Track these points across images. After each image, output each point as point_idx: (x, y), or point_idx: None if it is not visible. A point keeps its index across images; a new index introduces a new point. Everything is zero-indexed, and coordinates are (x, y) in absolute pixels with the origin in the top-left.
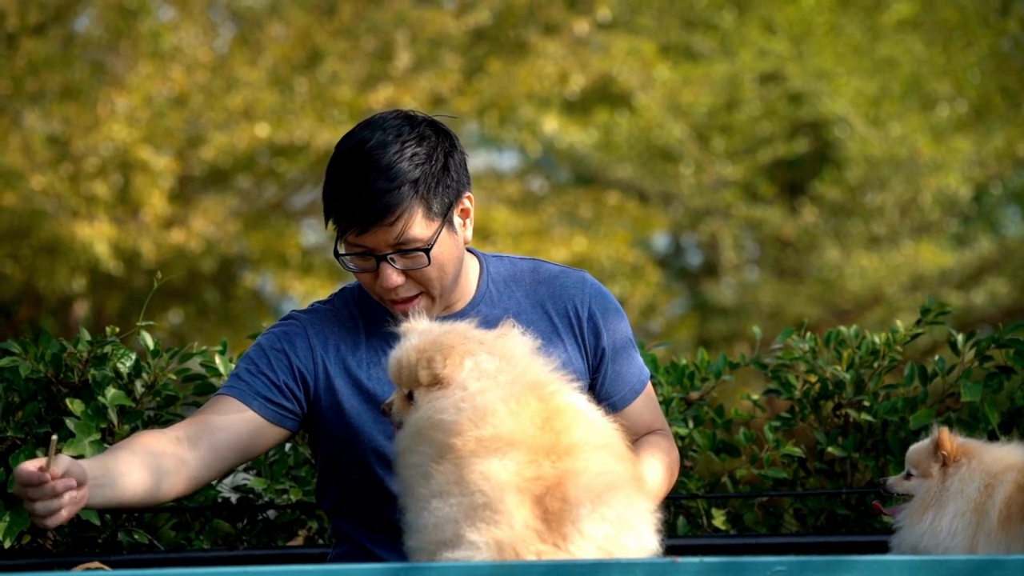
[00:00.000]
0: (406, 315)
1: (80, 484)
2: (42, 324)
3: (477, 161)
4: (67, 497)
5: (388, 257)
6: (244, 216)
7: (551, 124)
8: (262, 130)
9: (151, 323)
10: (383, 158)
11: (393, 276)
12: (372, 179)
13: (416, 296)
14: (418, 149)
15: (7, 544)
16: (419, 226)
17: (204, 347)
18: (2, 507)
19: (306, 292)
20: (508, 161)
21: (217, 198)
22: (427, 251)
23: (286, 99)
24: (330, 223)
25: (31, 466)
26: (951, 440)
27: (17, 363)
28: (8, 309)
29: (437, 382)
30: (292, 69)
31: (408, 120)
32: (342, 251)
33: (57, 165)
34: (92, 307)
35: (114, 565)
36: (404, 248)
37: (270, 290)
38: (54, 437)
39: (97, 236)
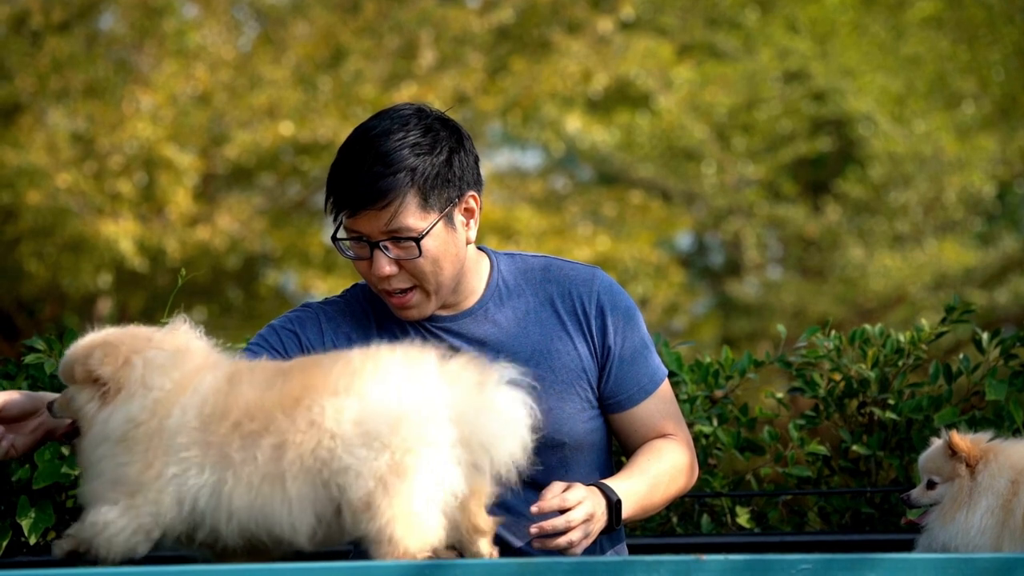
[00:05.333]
0: (402, 308)
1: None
2: (66, 322)
3: (500, 160)
4: None
5: (381, 244)
6: (268, 214)
7: (574, 123)
8: (286, 128)
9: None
10: (384, 145)
11: (384, 264)
12: (369, 163)
13: (411, 289)
14: (421, 140)
15: (32, 540)
16: (413, 216)
17: (228, 344)
18: (28, 504)
19: (328, 290)
20: (531, 160)
21: (241, 196)
22: (418, 241)
23: (310, 97)
24: (328, 205)
25: None
26: (964, 440)
27: (42, 360)
28: (33, 307)
29: (94, 380)
30: (316, 67)
31: (418, 112)
32: (341, 236)
33: (82, 163)
34: (116, 304)
35: (137, 561)
36: (396, 236)
37: (293, 288)
38: None
39: (122, 234)
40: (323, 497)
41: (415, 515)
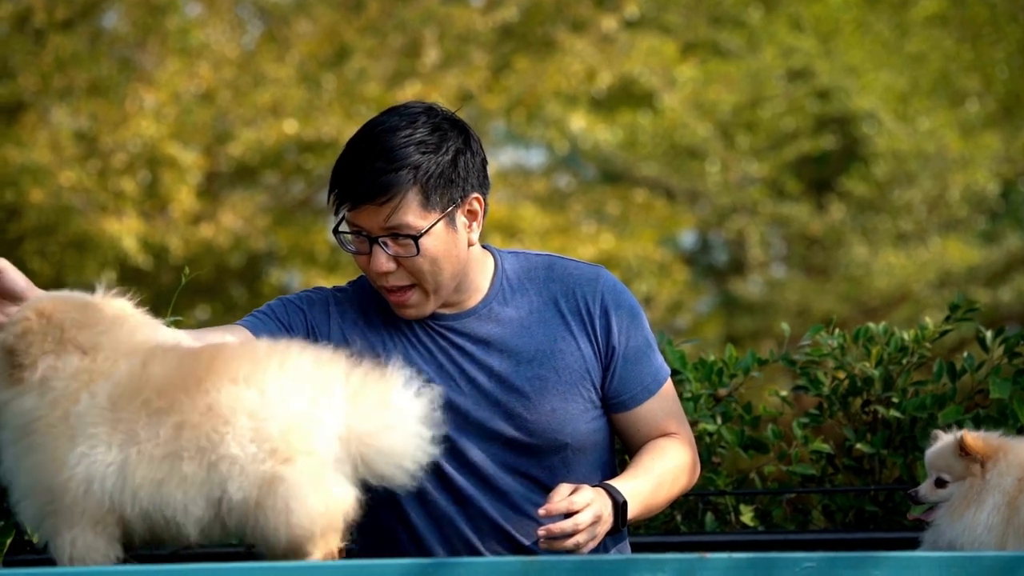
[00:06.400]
0: (400, 306)
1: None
2: None
3: (504, 158)
4: None
5: (380, 240)
6: (272, 212)
7: (578, 122)
8: (290, 126)
9: (179, 318)
10: (390, 141)
11: (382, 260)
12: (373, 158)
13: (410, 288)
14: (427, 138)
15: (36, 539)
16: (413, 214)
17: None
18: None
19: None
20: (535, 158)
21: (245, 194)
22: (416, 239)
23: (313, 95)
24: (331, 198)
25: None
26: (976, 440)
27: None
28: None
29: (10, 360)
30: (319, 66)
31: (428, 111)
32: (342, 229)
33: (85, 161)
34: None
35: (141, 560)
36: (396, 233)
37: (297, 286)
38: None
39: (125, 231)
40: (210, 480)
41: (307, 518)
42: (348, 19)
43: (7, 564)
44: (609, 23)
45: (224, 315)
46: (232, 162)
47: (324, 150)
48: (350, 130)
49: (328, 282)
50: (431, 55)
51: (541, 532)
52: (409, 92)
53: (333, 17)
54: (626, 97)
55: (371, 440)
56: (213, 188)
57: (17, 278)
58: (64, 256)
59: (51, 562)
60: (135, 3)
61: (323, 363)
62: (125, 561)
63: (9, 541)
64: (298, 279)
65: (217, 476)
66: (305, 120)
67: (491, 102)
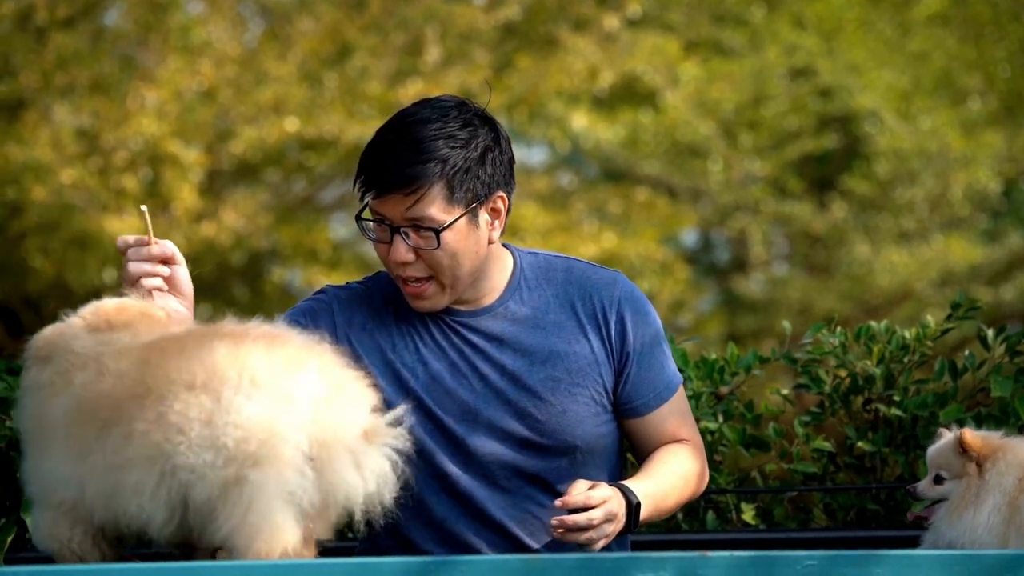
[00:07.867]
0: (415, 298)
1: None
2: None
3: None
4: (160, 267)
5: (402, 230)
6: (273, 210)
7: (580, 120)
8: (291, 124)
9: None
10: (420, 132)
11: (402, 250)
12: (402, 148)
13: (427, 280)
14: (457, 133)
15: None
16: (436, 207)
17: None
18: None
19: None
20: (537, 157)
21: (247, 192)
22: (437, 233)
23: (315, 94)
24: (357, 184)
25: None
26: (975, 439)
27: None
28: (38, 303)
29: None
30: (321, 64)
31: (459, 106)
32: (365, 216)
33: (87, 159)
34: None
35: (146, 558)
36: (418, 225)
37: (299, 285)
38: (143, 207)
39: (127, 229)
40: (168, 486)
41: (257, 525)
42: (350, 17)
43: (8, 562)
44: (611, 22)
45: (225, 314)
46: (234, 160)
47: (326, 148)
48: (352, 128)
49: (331, 280)
50: (433, 53)
51: (555, 522)
52: (411, 90)
53: (335, 15)
54: (628, 96)
55: (332, 461)
56: (215, 186)
57: (186, 278)
58: (66, 254)
59: (51, 560)
60: (137, 1)
61: (292, 364)
62: (125, 560)
63: (10, 539)
64: (300, 277)
65: (172, 482)
66: (307, 118)
67: (493, 100)
